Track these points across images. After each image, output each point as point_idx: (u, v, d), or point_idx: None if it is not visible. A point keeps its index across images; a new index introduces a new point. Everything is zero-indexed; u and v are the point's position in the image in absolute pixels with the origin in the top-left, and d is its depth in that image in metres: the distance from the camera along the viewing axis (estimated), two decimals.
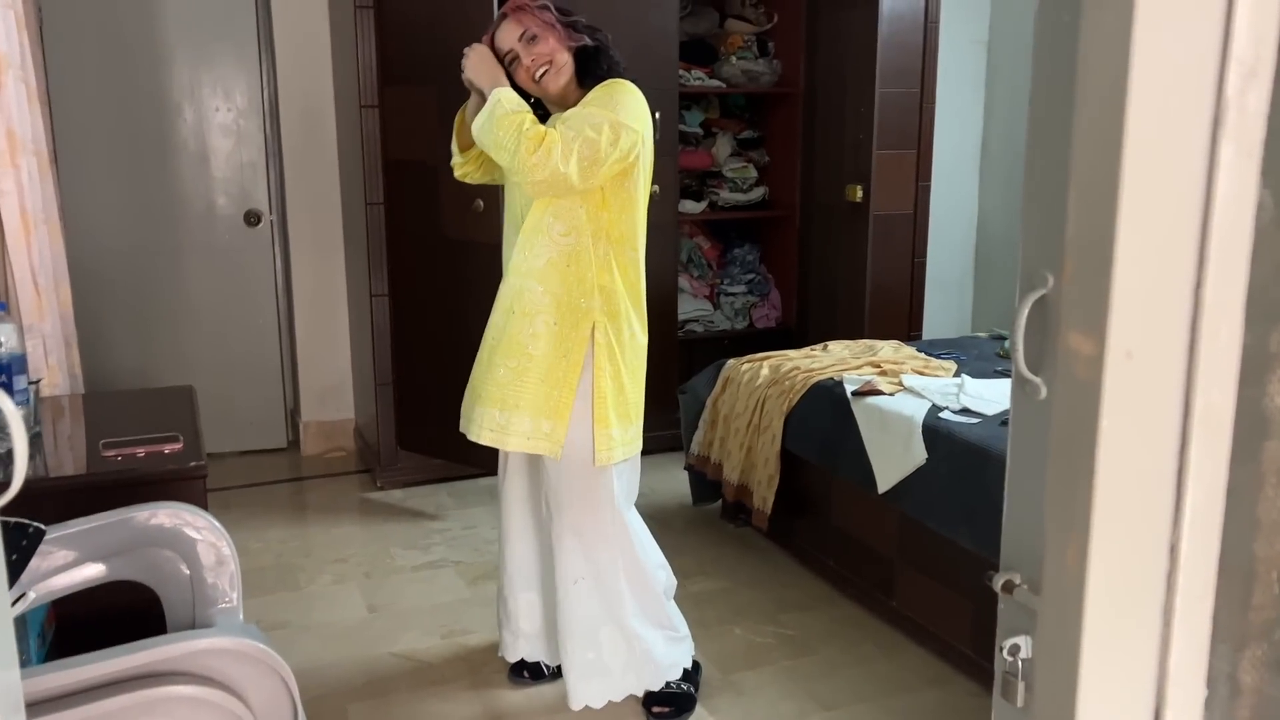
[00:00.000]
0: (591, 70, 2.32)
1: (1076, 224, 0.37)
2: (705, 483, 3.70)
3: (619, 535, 2.42)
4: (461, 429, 2.45)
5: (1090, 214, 0.36)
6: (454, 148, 2.51)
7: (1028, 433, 1.22)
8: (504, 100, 2.23)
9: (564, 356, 2.29)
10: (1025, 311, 1.16)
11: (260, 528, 3.74)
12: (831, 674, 2.76)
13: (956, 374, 3.32)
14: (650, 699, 2.57)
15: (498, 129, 2.19)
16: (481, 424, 2.35)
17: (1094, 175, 0.36)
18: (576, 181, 2.18)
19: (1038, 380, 1.19)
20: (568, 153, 2.15)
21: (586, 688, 2.49)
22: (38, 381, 2.75)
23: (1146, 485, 0.39)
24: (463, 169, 2.53)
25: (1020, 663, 1.20)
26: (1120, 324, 0.37)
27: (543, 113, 2.38)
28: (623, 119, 2.21)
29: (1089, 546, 0.38)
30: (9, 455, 1.91)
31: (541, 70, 2.29)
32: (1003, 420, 2.78)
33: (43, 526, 1.71)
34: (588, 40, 2.32)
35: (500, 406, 2.32)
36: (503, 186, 2.53)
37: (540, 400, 2.29)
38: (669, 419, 4.16)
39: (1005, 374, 3.30)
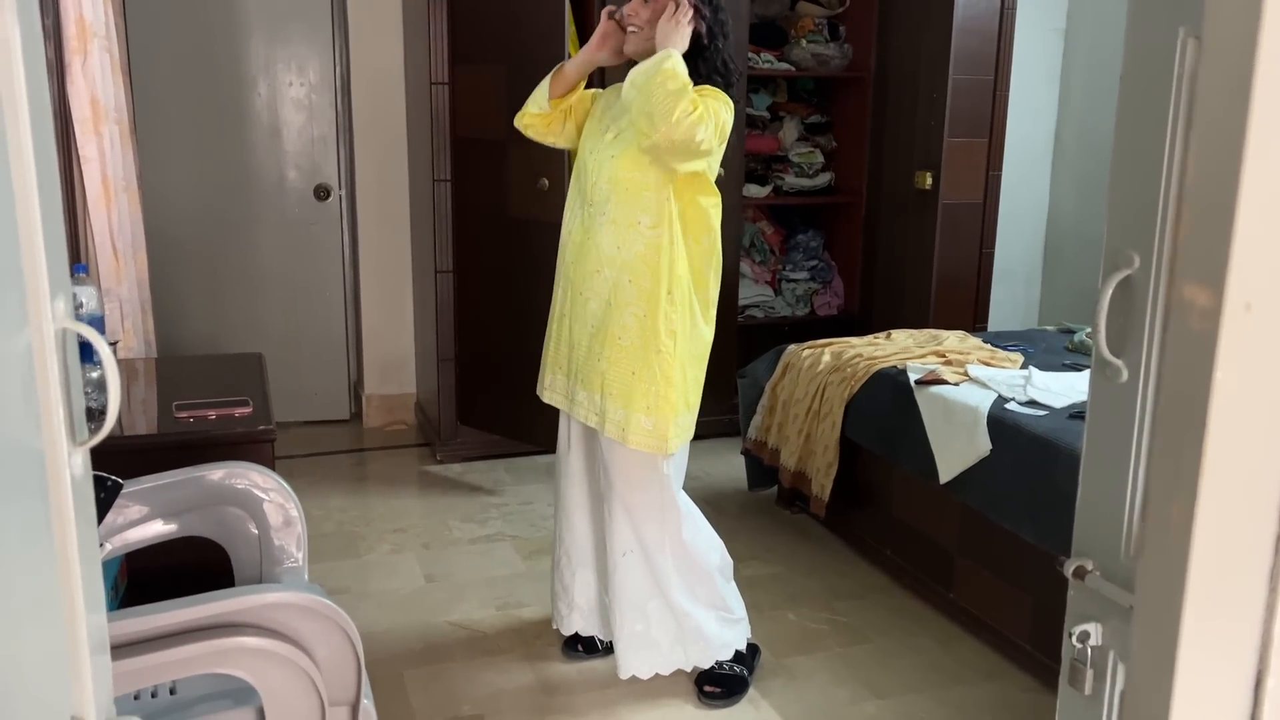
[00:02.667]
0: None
1: (1198, 172, 0.36)
2: (762, 468, 3.68)
3: (668, 514, 2.44)
4: (547, 399, 2.53)
5: (1213, 162, 0.35)
6: (539, 95, 2.51)
7: (1106, 417, 1.20)
8: (680, 65, 2.24)
9: (657, 351, 2.33)
10: (1109, 292, 1.14)
11: (322, 496, 3.81)
12: (886, 663, 2.74)
13: (1024, 366, 3.26)
14: (702, 678, 2.58)
15: (667, 80, 2.19)
16: (587, 407, 2.42)
17: (1218, 121, 0.35)
18: (695, 148, 2.21)
19: (1119, 363, 1.16)
20: (706, 128, 2.20)
21: (634, 658, 2.51)
22: (114, 344, 2.83)
23: (1259, 442, 0.38)
24: (532, 120, 2.54)
25: (1090, 650, 1.18)
26: (1240, 275, 0.36)
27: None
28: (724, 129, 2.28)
29: (1196, 504, 0.37)
30: (93, 412, 1.97)
31: (631, 28, 2.35)
32: (1070, 413, 2.73)
33: (120, 480, 1.76)
34: (698, 33, 2.32)
35: (601, 393, 2.38)
36: (571, 170, 2.54)
37: (634, 393, 2.33)
38: (727, 403, 4.15)
39: (1073, 367, 3.24)
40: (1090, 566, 1.16)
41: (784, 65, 4.61)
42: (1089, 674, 1.17)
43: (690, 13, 2.30)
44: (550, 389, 2.55)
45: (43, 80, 0.72)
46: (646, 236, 2.31)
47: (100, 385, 2.12)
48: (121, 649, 1.31)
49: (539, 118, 2.53)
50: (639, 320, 2.33)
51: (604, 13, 2.45)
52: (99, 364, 2.50)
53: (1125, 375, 1.15)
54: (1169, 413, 0.38)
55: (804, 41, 4.61)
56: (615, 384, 2.35)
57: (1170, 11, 1.06)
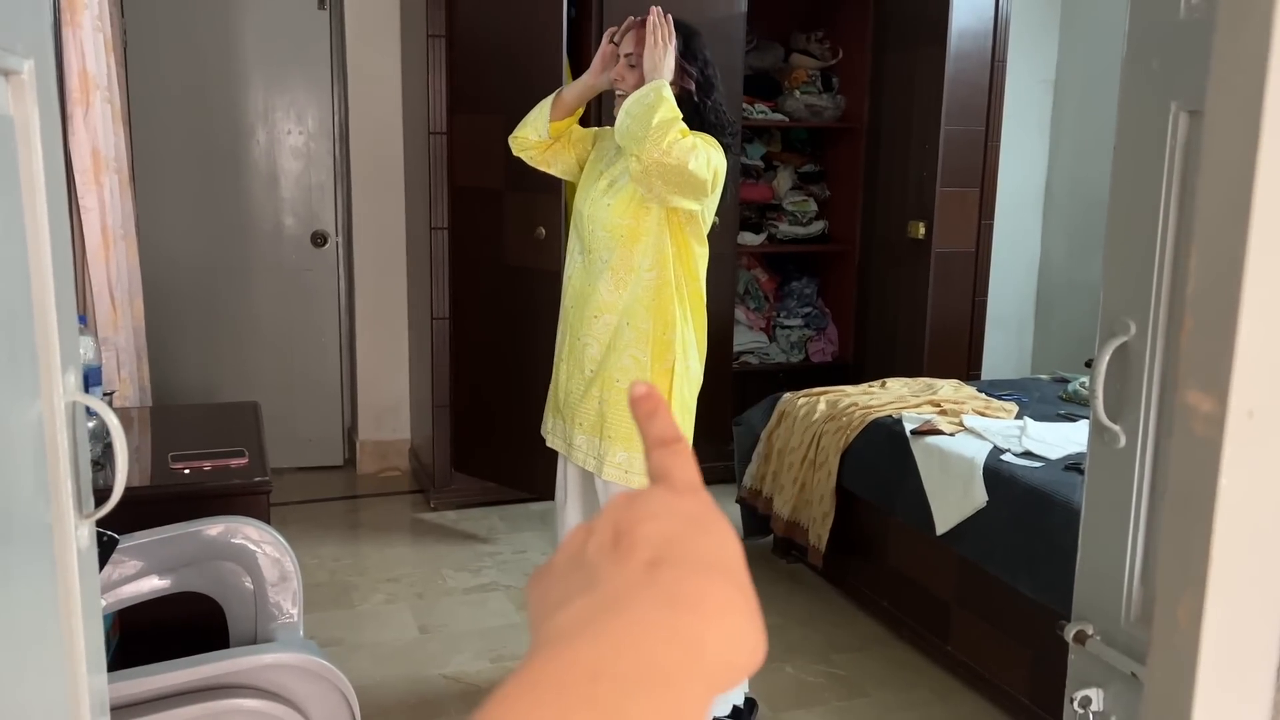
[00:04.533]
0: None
1: (1199, 280, 0.37)
2: (756, 517, 3.68)
3: None
4: (550, 444, 2.54)
5: (1215, 270, 0.36)
6: (539, 121, 2.50)
7: (1105, 482, 1.21)
8: (670, 94, 2.24)
9: None
10: (1106, 358, 1.16)
11: (315, 544, 3.78)
12: (884, 717, 2.72)
13: (1018, 416, 3.27)
14: None
15: (659, 107, 2.18)
16: (585, 451, 2.42)
17: (1221, 231, 0.36)
18: (689, 178, 2.20)
19: (1116, 428, 1.18)
20: (698, 159, 2.19)
21: None
22: (111, 393, 2.82)
23: (1264, 545, 0.39)
24: (528, 145, 2.54)
25: (1092, 715, 1.18)
26: (1242, 383, 0.37)
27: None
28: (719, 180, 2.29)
29: (1204, 604, 0.38)
30: (96, 462, 1.96)
31: (620, 91, 2.35)
32: (1066, 465, 2.74)
33: (116, 536, 1.75)
34: (688, 90, 2.34)
35: (601, 436, 2.38)
36: (567, 218, 2.57)
37: (635, 434, 2.34)
38: (722, 450, 4.15)
39: (1068, 417, 3.25)
40: (1091, 631, 1.16)
41: (778, 116, 4.67)
42: None
43: (672, 35, 2.30)
44: (550, 432, 2.57)
45: (59, 163, 0.73)
46: (646, 280, 2.33)
47: (95, 434, 2.12)
48: (119, 711, 1.30)
49: (537, 144, 2.54)
50: (637, 362, 2.35)
51: (605, 35, 2.46)
52: (94, 413, 2.50)
53: (1123, 441, 1.16)
54: (1175, 516, 0.39)
55: (798, 92, 4.67)
56: (616, 426, 2.36)
57: (1162, 86, 1.09)
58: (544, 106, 2.50)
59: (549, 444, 2.57)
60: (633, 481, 2.35)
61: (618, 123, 2.28)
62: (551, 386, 2.56)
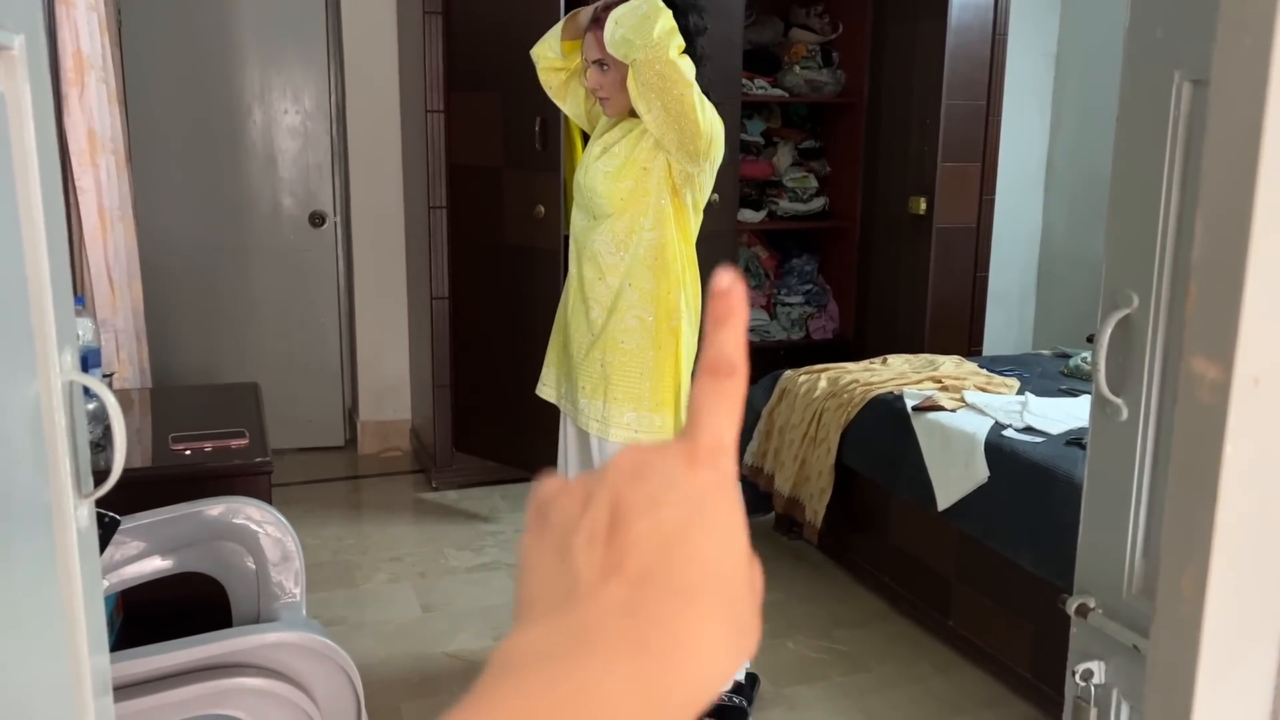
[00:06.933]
0: None
1: (1204, 246, 0.36)
2: (758, 494, 3.68)
3: None
4: (555, 402, 2.55)
5: (1221, 236, 0.36)
6: (552, 39, 2.45)
7: (1107, 455, 1.21)
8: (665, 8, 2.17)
9: (658, 348, 2.35)
10: (1108, 332, 1.15)
11: (318, 524, 3.79)
12: (886, 691, 2.73)
13: (1020, 391, 3.27)
14: None
15: (662, 19, 2.12)
16: (588, 414, 2.42)
17: (1226, 196, 0.36)
18: (686, 93, 2.15)
19: (1119, 401, 1.17)
20: (690, 73, 2.15)
21: None
22: (110, 375, 2.82)
23: (1270, 514, 0.39)
24: (547, 66, 2.49)
25: (1093, 688, 1.18)
26: (1248, 350, 0.36)
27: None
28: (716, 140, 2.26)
29: (1208, 573, 0.38)
30: (98, 444, 1.96)
31: (598, 99, 2.36)
32: (1068, 440, 2.73)
33: (117, 517, 1.75)
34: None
35: (604, 399, 2.38)
36: (565, 198, 2.56)
37: (644, 394, 2.35)
38: None
39: (1069, 393, 3.25)
40: (1093, 604, 1.16)
41: (777, 91, 4.64)
42: (1093, 712, 1.18)
43: None
44: (557, 393, 2.56)
45: (52, 141, 0.73)
46: (648, 239, 2.33)
47: (96, 416, 2.12)
48: (122, 690, 1.30)
49: (551, 65, 2.49)
50: (641, 322, 2.35)
51: None
52: (94, 396, 2.49)
53: (1125, 414, 1.16)
54: (1180, 485, 0.38)
55: (797, 68, 4.64)
56: (620, 388, 2.35)
57: (1165, 55, 1.07)
58: (557, 27, 2.48)
59: (555, 401, 2.56)
60: (642, 440, 2.34)
61: (606, 31, 2.21)
62: (552, 342, 2.55)
